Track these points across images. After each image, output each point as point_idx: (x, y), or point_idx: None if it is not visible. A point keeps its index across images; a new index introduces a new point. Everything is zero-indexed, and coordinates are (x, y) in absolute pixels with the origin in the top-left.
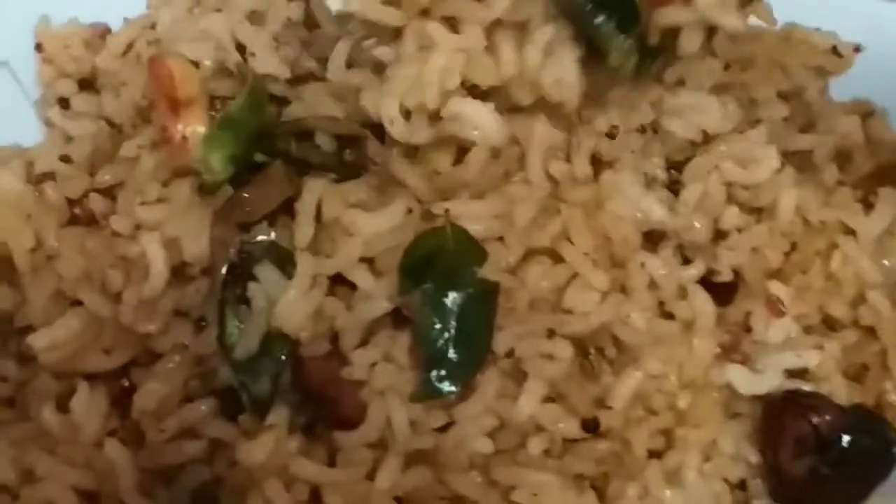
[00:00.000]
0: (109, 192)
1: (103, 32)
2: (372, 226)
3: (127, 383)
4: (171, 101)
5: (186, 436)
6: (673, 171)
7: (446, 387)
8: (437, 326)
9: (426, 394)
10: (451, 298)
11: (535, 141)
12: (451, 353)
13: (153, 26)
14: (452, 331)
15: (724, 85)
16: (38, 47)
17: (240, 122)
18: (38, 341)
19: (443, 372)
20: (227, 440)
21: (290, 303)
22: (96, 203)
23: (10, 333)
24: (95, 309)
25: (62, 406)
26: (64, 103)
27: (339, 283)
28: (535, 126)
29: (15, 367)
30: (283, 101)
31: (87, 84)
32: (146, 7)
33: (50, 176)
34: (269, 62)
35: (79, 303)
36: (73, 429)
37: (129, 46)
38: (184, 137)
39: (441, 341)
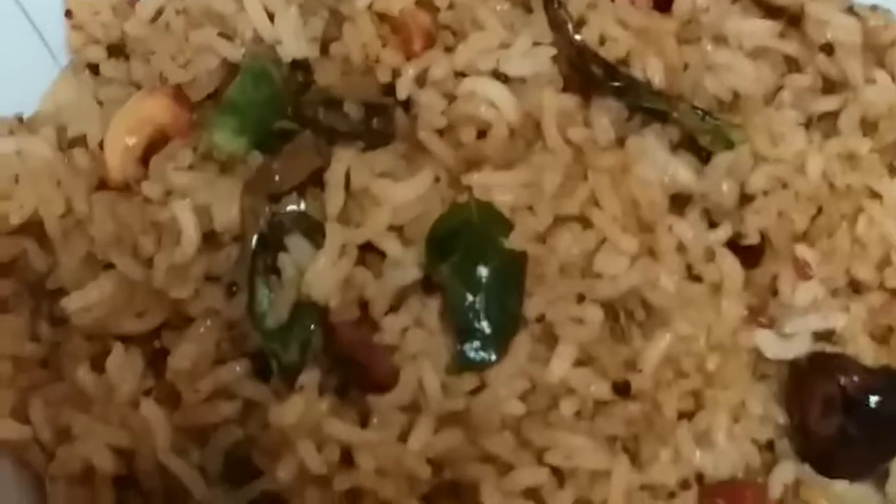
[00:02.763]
0: (143, 157)
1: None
2: (400, 194)
3: (159, 345)
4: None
5: (220, 396)
6: None
7: (481, 356)
8: (468, 298)
9: (462, 365)
10: (480, 270)
11: (547, 109)
12: (483, 324)
13: None
14: (483, 302)
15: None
16: (68, 14)
17: (239, 102)
18: (71, 304)
19: (476, 343)
20: (260, 401)
21: (319, 272)
22: (127, 168)
23: (43, 295)
24: (127, 272)
25: (96, 366)
26: (93, 69)
27: (368, 251)
28: (543, 94)
29: (48, 328)
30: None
31: (117, 50)
32: None
33: (80, 141)
34: (295, 47)
35: (111, 266)
36: (108, 388)
37: (158, 13)
38: None
39: (472, 313)
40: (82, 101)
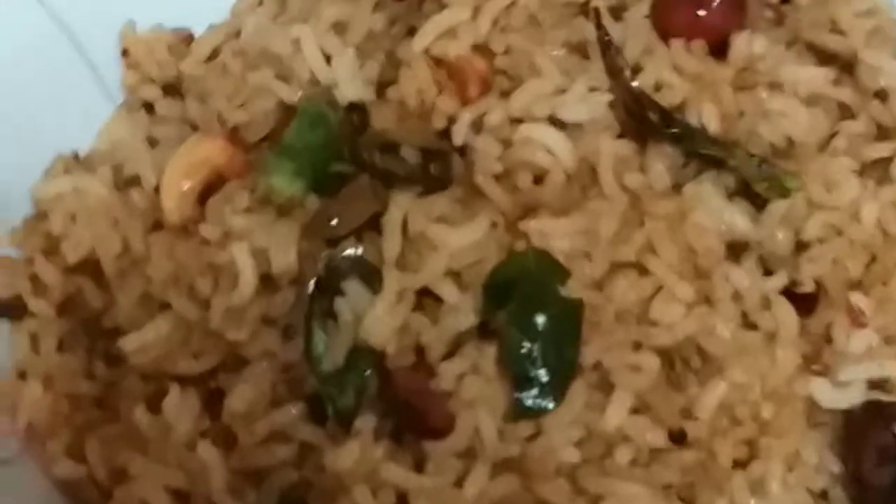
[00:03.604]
0: (199, 198)
1: (187, 38)
2: (457, 240)
3: (215, 386)
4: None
5: (277, 439)
6: None
7: (539, 404)
8: (525, 346)
9: (520, 413)
10: (537, 318)
11: (603, 155)
12: (541, 372)
13: (237, 33)
14: (540, 350)
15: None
16: (125, 52)
17: (296, 145)
18: (128, 344)
19: (534, 391)
20: (316, 444)
21: (377, 317)
22: (184, 210)
23: (99, 334)
24: (184, 313)
25: (153, 407)
26: (148, 108)
27: (425, 295)
28: (599, 140)
29: (104, 367)
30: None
31: (172, 89)
32: (231, 13)
33: (137, 181)
34: (351, 90)
35: (167, 306)
36: (164, 429)
37: (214, 52)
38: None
39: (529, 361)
40: (136, 143)
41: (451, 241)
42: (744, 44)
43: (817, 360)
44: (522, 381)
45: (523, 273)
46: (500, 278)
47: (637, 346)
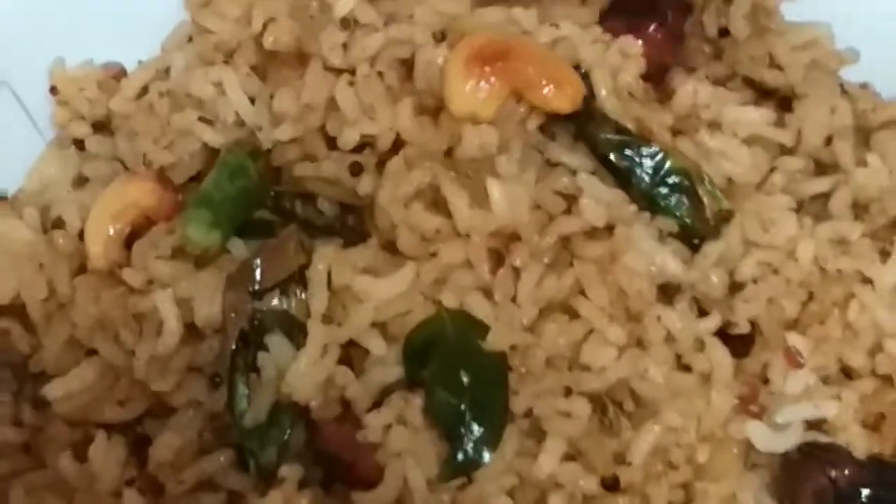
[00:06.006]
0: (126, 241)
1: (118, 74)
2: (383, 291)
3: (141, 431)
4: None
5: (204, 487)
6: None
7: (473, 459)
8: (452, 403)
9: (454, 471)
10: (461, 377)
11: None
12: (473, 427)
13: (167, 69)
14: (468, 406)
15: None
16: (53, 90)
17: (215, 196)
18: (52, 391)
19: (469, 446)
20: (244, 492)
21: (300, 372)
22: (110, 253)
23: (26, 378)
24: (111, 359)
25: (79, 454)
26: (79, 145)
27: (351, 345)
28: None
29: (30, 412)
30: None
31: (102, 126)
32: (161, 49)
33: (63, 223)
34: (277, 133)
35: (94, 351)
36: (90, 477)
37: (144, 89)
38: None
39: (458, 418)
40: (63, 184)
41: (377, 293)
42: (688, 94)
43: (754, 401)
44: (455, 439)
45: (439, 335)
46: (418, 341)
47: (568, 391)
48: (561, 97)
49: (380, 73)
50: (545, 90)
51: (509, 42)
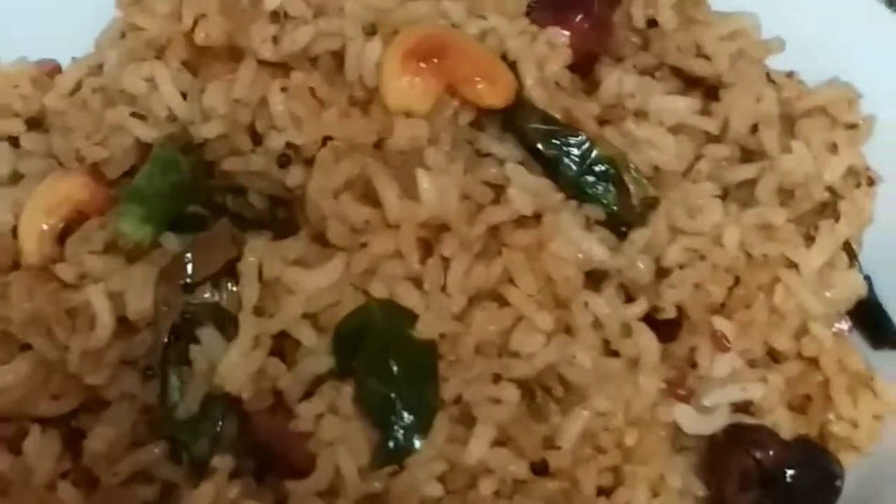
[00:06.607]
0: (60, 237)
1: (52, 70)
2: (313, 282)
3: (76, 425)
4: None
5: (139, 479)
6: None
7: (404, 446)
8: (383, 393)
9: (386, 459)
10: (390, 366)
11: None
12: (403, 415)
13: (101, 66)
14: (398, 395)
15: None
16: None
17: (146, 190)
18: None
19: (399, 434)
20: (179, 483)
21: (232, 364)
22: (44, 248)
23: None
24: (45, 354)
25: (13, 448)
26: (13, 142)
27: (283, 336)
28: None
29: None
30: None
31: (36, 123)
32: (94, 45)
33: None
34: (206, 127)
35: (28, 346)
36: (25, 471)
37: (78, 86)
38: None
39: (388, 407)
40: None
41: (307, 285)
42: (614, 83)
43: (681, 384)
44: (385, 427)
45: (368, 324)
46: (348, 331)
47: (497, 378)
48: (494, 93)
49: (311, 89)
50: (479, 86)
51: (445, 38)
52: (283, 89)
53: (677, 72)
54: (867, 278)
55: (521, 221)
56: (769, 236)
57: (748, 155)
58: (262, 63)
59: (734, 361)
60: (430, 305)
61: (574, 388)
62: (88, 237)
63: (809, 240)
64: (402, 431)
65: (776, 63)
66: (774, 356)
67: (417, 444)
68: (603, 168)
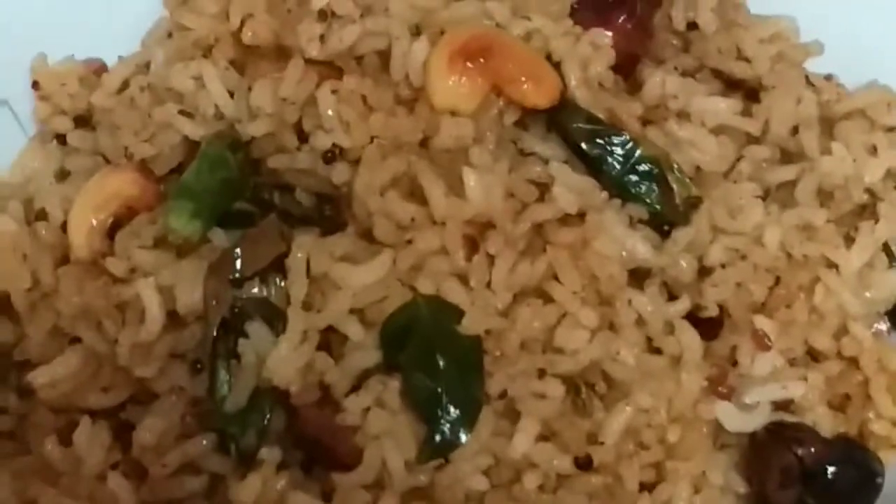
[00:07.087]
0: (109, 231)
1: (99, 69)
2: (360, 278)
3: (125, 418)
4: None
5: (187, 471)
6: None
7: (451, 440)
8: (429, 387)
9: (433, 453)
10: (437, 361)
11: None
12: (450, 409)
13: (148, 64)
14: (445, 390)
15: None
16: (35, 85)
17: (195, 187)
18: (37, 378)
19: (445, 428)
20: (227, 475)
21: (280, 358)
22: (94, 243)
23: (10, 366)
24: (94, 346)
25: (63, 439)
26: (61, 139)
27: (330, 331)
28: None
29: (16, 399)
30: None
31: (83, 121)
32: (141, 45)
33: (46, 214)
34: (254, 126)
35: (77, 339)
36: (75, 462)
37: (124, 84)
38: None
39: (435, 401)
40: (45, 177)
41: (354, 280)
42: (657, 84)
43: (722, 382)
44: (432, 421)
45: (415, 320)
46: (395, 326)
47: (542, 373)
48: (539, 93)
49: (363, 97)
50: (524, 86)
51: (491, 38)
52: (334, 91)
53: (717, 74)
54: None
55: (565, 220)
56: (809, 237)
57: (788, 156)
58: (309, 62)
59: (775, 360)
60: (476, 302)
61: (617, 385)
62: (138, 232)
63: (849, 241)
64: (447, 425)
65: (815, 66)
66: (814, 355)
67: (463, 438)
68: (646, 168)
